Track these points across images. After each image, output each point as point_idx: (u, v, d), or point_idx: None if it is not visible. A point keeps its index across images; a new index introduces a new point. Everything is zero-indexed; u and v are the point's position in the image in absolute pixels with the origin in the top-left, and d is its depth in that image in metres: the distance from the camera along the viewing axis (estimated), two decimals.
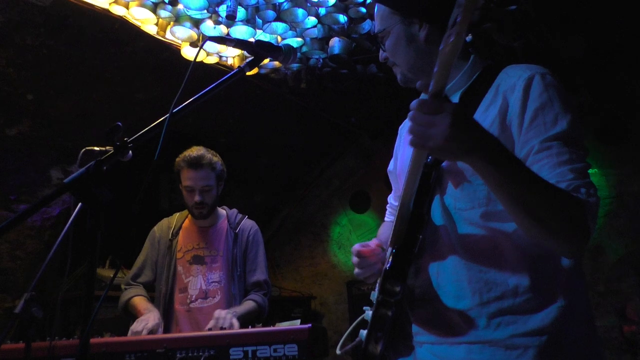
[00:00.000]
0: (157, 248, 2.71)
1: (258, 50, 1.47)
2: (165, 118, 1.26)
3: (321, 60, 2.97)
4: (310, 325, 1.95)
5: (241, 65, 1.44)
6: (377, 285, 1.25)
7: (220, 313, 2.31)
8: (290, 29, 2.67)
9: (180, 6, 2.48)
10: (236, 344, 1.94)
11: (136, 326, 2.27)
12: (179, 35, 2.68)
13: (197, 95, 1.34)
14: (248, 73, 2.03)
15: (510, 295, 1.10)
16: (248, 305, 2.55)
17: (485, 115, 1.18)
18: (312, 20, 2.62)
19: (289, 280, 5.01)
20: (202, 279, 2.63)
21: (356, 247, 1.33)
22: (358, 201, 4.93)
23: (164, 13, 2.51)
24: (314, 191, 5.08)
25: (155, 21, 2.61)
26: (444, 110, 0.92)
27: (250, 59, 1.47)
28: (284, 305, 4.41)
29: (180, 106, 1.29)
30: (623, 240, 3.51)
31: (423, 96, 1.05)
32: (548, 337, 1.06)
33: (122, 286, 2.63)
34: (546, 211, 0.99)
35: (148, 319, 2.29)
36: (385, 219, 1.70)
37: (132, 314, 2.42)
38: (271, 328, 2.01)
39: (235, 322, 2.26)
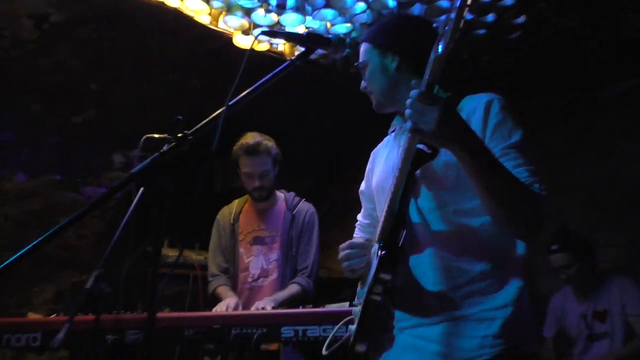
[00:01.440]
0: (223, 235, 2.90)
1: (309, 42, 1.52)
2: (222, 110, 1.33)
3: None
4: None
5: (292, 58, 1.49)
6: (369, 277, 1.35)
7: (257, 306, 2.44)
8: (340, 15, 2.70)
9: None
10: (287, 323, 2.05)
11: (217, 308, 2.45)
12: (231, 24, 2.76)
13: (251, 88, 1.41)
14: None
15: (478, 280, 1.32)
16: (291, 289, 2.68)
17: None
18: (361, 5, 2.64)
19: (337, 262, 5.07)
20: (263, 258, 2.80)
21: (345, 243, 1.53)
22: None
23: (216, 3, 2.59)
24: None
25: (208, 11, 2.70)
26: (437, 101, 1.12)
27: (301, 51, 1.52)
28: (333, 286, 4.47)
29: (236, 98, 1.36)
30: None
31: (413, 92, 1.19)
32: (512, 310, 1.29)
33: (208, 279, 2.86)
34: (512, 197, 1.22)
35: (228, 303, 2.47)
36: (355, 235, 1.90)
37: (218, 302, 2.60)
38: (321, 309, 2.10)
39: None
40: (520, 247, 1.39)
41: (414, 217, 1.40)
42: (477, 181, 1.23)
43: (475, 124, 1.36)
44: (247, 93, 1.39)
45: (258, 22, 2.72)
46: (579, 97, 3.88)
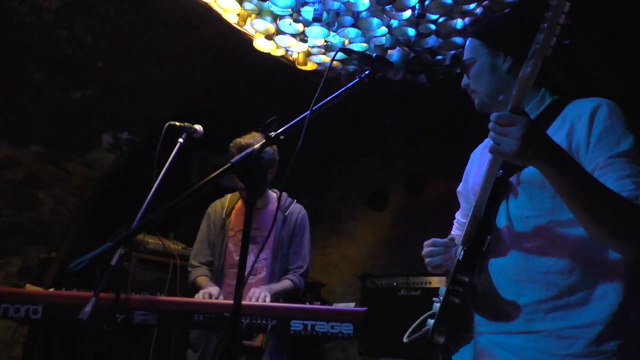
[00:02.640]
0: (213, 228, 2.92)
1: (376, 63, 1.66)
2: (306, 115, 1.45)
3: None
4: (366, 308, 2.18)
5: (361, 76, 1.62)
6: (448, 277, 1.43)
7: (254, 291, 2.51)
8: (361, 35, 2.87)
9: (267, 1, 2.66)
10: (297, 317, 2.15)
11: (198, 296, 2.49)
12: (257, 27, 2.86)
13: (328, 98, 1.53)
14: (302, 67, 2.16)
15: (566, 294, 1.27)
16: (285, 283, 2.76)
17: (553, 138, 1.32)
18: (383, 29, 2.83)
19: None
20: (253, 257, 2.85)
21: (430, 240, 1.54)
22: (376, 200, 5.15)
23: (248, 5, 2.69)
24: (335, 185, 5.29)
25: (238, 11, 2.78)
26: (518, 122, 1.12)
27: (369, 71, 1.66)
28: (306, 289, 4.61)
29: (318, 105, 1.47)
30: None
31: (493, 114, 1.22)
32: (600, 329, 1.22)
33: (188, 269, 2.88)
34: (609, 214, 1.16)
35: (210, 291, 2.51)
36: (452, 232, 1.90)
37: (196, 292, 2.64)
38: (331, 307, 2.23)
39: (268, 300, 2.45)
40: (619, 267, 1.28)
41: (502, 221, 1.38)
42: (569, 199, 1.19)
43: (580, 131, 1.31)
44: (326, 102, 1.51)
45: (283, 29, 2.83)
46: None
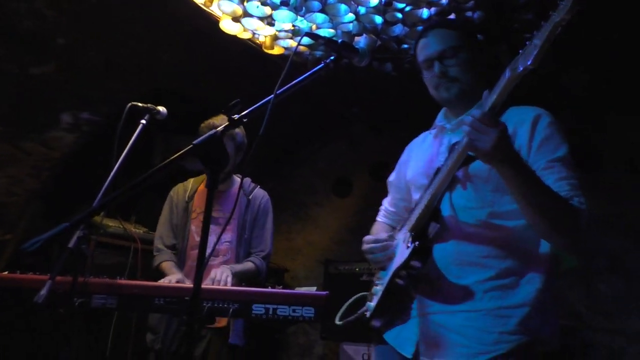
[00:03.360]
0: (175, 211, 2.91)
1: (341, 49, 1.67)
2: (270, 98, 1.45)
3: None
4: (327, 292, 2.21)
5: (326, 61, 1.63)
6: (394, 262, 1.52)
7: (215, 272, 2.52)
8: (329, 21, 2.87)
9: None
10: (259, 301, 2.17)
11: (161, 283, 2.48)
12: (224, 8, 2.82)
13: (292, 82, 1.53)
14: (269, 51, 2.16)
15: (502, 276, 1.43)
16: (246, 265, 2.79)
17: None
18: (350, 16, 2.83)
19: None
20: (215, 237, 2.85)
21: (371, 237, 1.64)
22: (341, 186, 5.18)
23: None
24: (299, 170, 5.29)
25: None
26: (497, 125, 1.25)
27: (334, 56, 1.66)
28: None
29: (283, 89, 1.47)
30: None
31: (474, 111, 1.33)
32: (528, 310, 1.40)
33: (154, 253, 2.87)
34: (552, 212, 1.33)
35: (171, 279, 2.52)
36: (378, 219, 2.03)
37: (161, 277, 2.63)
38: (293, 290, 2.25)
39: (229, 280, 2.47)
40: (545, 249, 1.47)
41: (446, 210, 1.50)
42: (520, 196, 1.34)
43: (522, 136, 1.47)
44: (291, 86, 1.51)
45: (251, 12, 2.80)
46: None
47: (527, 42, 1.22)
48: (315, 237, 5.29)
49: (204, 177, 3.04)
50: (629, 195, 3.81)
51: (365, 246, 1.64)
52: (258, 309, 2.17)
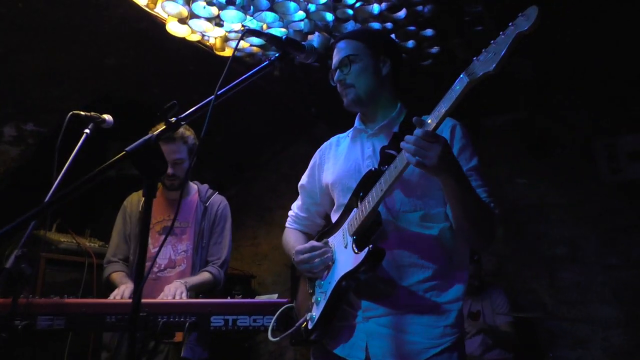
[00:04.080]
0: (129, 222, 2.79)
1: (286, 46, 1.61)
2: (211, 99, 1.38)
3: None
4: (288, 299, 2.13)
5: (272, 59, 1.56)
6: (335, 269, 1.53)
7: (169, 288, 2.43)
8: (279, 20, 2.79)
9: None
10: (217, 313, 2.08)
11: (112, 296, 2.36)
12: (169, 10, 2.71)
13: (235, 82, 1.46)
14: (220, 53, 2.06)
15: (437, 276, 1.51)
16: (203, 276, 2.69)
17: None
18: (300, 14, 2.76)
19: (231, 259, 5.11)
20: (172, 249, 2.75)
21: (304, 246, 1.63)
22: None
23: None
24: (263, 174, 5.21)
25: None
26: (439, 141, 1.28)
27: (280, 53, 1.60)
28: (227, 281, 4.49)
29: (224, 89, 1.40)
30: (540, 244, 3.99)
31: (417, 130, 1.33)
32: (461, 304, 1.52)
33: (104, 265, 2.73)
34: (480, 217, 1.44)
35: (123, 290, 2.38)
36: (288, 225, 2.06)
37: (111, 289, 2.49)
38: (252, 300, 2.16)
39: (184, 295, 2.38)
40: (467, 254, 1.61)
41: (383, 214, 1.53)
42: (457, 203, 1.42)
43: None
44: (233, 86, 1.44)
45: (197, 12, 2.70)
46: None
47: (483, 50, 1.25)
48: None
49: (159, 185, 2.93)
50: (585, 182, 3.87)
51: (300, 257, 1.62)
52: (217, 320, 2.08)
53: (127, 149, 1.20)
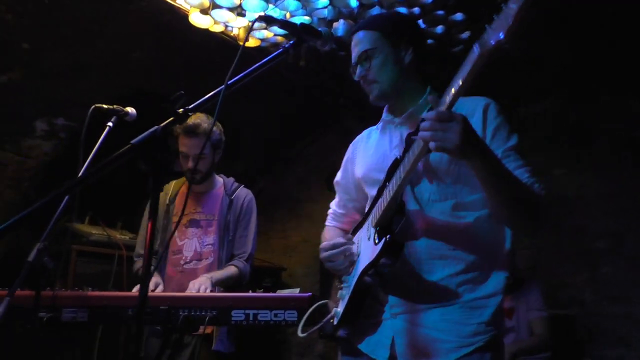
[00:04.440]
0: (157, 215, 2.82)
1: (301, 33, 1.55)
2: (221, 89, 1.33)
3: None
4: (310, 294, 2.08)
5: (286, 46, 1.51)
6: (358, 263, 1.46)
7: (194, 283, 2.43)
8: (302, 7, 2.73)
9: None
10: (238, 307, 2.04)
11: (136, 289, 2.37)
12: (191, 1, 2.69)
13: (247, 71, 1.41)
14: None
15: (472, 268, 1.40)
16: (229, 270, 2.69)
17: None
18: (324, 1, 2.69)
19: (260, 251, 5.06)
20: (197, 241, 2.76)
21: (327, 243, 1.57)
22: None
23: None
24: (292, 167, 5.17)
25: None
26: (456, 118, 1.16)
27: (292, 40, 1.54)
28: (256, 275, 4.49)
29: (235, 79, 1.36)
30: (580, 237, 3.81)
31: (430, 113, 1.22)
32: (501, 298, 1.40)
33: (134, 258, 2.78)
34: (519, 199, 1.32)
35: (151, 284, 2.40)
36: (327, 224, 1.96)
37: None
38: (273, 294, 2.12)
39: (209, 290, 2.38)
40: (507, 242, 1.46)
41: (411, 204, 1.45)
42: (489, 185, 1.30)
43: (475, 126, 1.36)
44: (244, 75, 1.39)
45: (219, 2, 2.67)
46: None
47: (494, 16, 1.06)
48: (311, 233, 5.15)
49: (184, 178, 2.94)
50: (628, 171, 3.67)
51: (323, 254, 1.57)
52: (238, 315, 2.05)
53: (132, 141, 1.17)
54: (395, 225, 1.37)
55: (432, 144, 1.17)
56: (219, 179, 2.97)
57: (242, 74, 1.39)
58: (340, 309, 1.52)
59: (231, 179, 3.02)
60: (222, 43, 3.24)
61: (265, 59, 1.47)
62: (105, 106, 2.28)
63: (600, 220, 3.74)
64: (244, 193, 2.98)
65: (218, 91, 1.33)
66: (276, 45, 3.32)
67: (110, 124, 2.30)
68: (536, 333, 3.31)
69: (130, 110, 2.37)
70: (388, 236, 1.33)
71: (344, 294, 1.52)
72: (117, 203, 4.03)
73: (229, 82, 1.35)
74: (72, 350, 2.94)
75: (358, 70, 1.60)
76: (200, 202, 2.87)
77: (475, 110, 1.45)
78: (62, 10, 2.85)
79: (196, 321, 2.05)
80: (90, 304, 2.07)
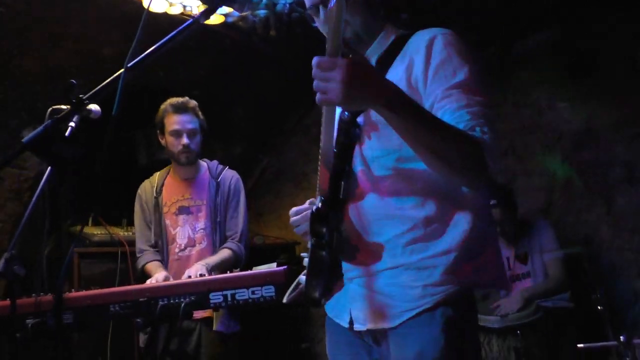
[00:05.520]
0: (147, 209, 2.85)
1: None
2: (121, 73, 1.27)
3: (288, 6, 2.95)
4: (286, 267, 2.04)
5: (195, 16, 1.42)
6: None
7: (189, 271, 2.47)
8: None
9: None
10: (215, 289, 2.03)
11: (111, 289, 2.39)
12: None
13: (151, 49, 1.34)
14: (208, 22, 1.95)
15: (422, 225, 1.29)
16: (223, 253, 2.71)
17: (394, 75, 1.34)
18: None
19: (273, 228, 5.09)
20: (190, 228, 2.79)
21: (294, 209, 1.53)
22: None
23: None
24: (293, 139, 5.10)
25: None
26: (337, 65, 1.02)
27: (205, 8, 1.46)
28: (270, 252, 4.49)
29: (135, 60, 1.29)
30: (592, 171, 3.62)
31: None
32: (455, 255, 1.26)
33: (137, 254, 2.82)
34: (447, 150, 1.16)
35: (157, 278, 2.46)
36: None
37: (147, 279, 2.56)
38: (249, 272, 2.10)
39: (206, 275, 2.37)
40: (464, 196, 1.32)
41: (358, 165, 1.37)
42: (408, 138, 1.17)
43: (418, 65, 1.30)
44: (147, 54, 1.32)
45: None
46: (494, 51, 4.01)
47: None
48: None
49: (169, 167, 2.95)
50: (634, 96, 3.44)
51: (290, 220, 1.54)
52: (216, 297, 2.04)
53: (23, 139, 1.13)
54: (337, 190, 1.33)
55: (317, 97, 1.06)
56: (203, 164, 3.00)
57: (144, 54, 1.32)
58: (303, 276, 1.51)
59: (215, 162, 3.03)
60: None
61: (174, 32, 1.39)
62: (63, 106, 2.27)
63: (610, 151, 3.54)
64: (229, 175, 2.99)
65: (117, 75, 1.26)
66: (243, 18, 3.22)
67: (72, 124, 2.29)
68: (551, 275, 3.19)
69: (94, 107, 2.34)
70: (313, 208, 1.29)
71: (306, 261, 1.48)
72: (119, 200, 4.07)
73: (129, 65, 1.28)
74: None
75: (322, 12, 1.42)
76: (187, 189, 2.90)
77: (420, 46, 1.32)
78: (22, 17, 2.83)
79: (176, 309, 2.05)
80: (73, 305, 2.09)
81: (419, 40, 1.35)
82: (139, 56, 1.30)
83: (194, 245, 2.80)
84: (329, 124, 1.27)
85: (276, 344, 3.91)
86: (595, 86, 3.59)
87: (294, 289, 1.65)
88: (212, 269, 2.51)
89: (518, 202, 3.38)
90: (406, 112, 1.12)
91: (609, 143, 3.55)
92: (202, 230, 2.82)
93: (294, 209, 1.53)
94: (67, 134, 2.26)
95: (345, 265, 1.40)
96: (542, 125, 3.85)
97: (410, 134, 1.16)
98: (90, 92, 1.24)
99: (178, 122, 2.75)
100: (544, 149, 3.82)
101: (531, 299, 3.04)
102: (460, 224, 1.28)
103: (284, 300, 1.67)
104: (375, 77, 1.11)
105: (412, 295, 1.27)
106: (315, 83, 1.05)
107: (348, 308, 1.41)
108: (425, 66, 1.29)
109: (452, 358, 1.25)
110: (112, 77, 1.26)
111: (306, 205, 1.53)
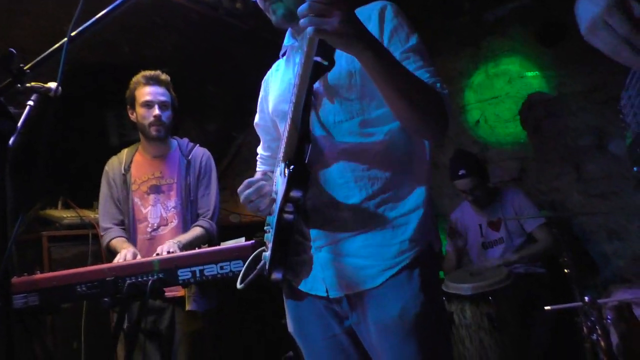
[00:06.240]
0: (115, 186, 2.80)
1: None
2: (64, 42, 1.23)
3: None
4: (254, 241, 2.03)
5: None
6: (277, 201, 1.36)
7: (161, 249, 2.43)
8: None
9: None
10: (183, 266, 2.02)
11: (115, 261, 2.37)
12: None
13: (95, 18, 1.30)
14: None
15: (390, 186, 1.35)
16: (194, 232, 2.68)
17: None
18: None
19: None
20: (162, 207, 2.74)
21: (244, 183, 1.47)
22: None
23: None
24: None
25: None
26: (338, 2, 1.06)
27: None
28: (246, 230, 4.46)
29: (78, 29, 1.25)
30: (562, 137, 3.65)
31: None
32: (423, 212, 1.35)
33: (100, 234, 2.76)
34: (420, 97, 1.23)
35: (125, 254, 2.39)
36: (257, 169, 1.89)
37: (114, 256, 2.50)
38: (216, 247, 2.08)
39: (178, 252, 2.35)
40: (427, 154, 1.43)
41: (317, 130, 1.38)
42: (385, 83, 1.19)
43: (373, 31, 1.28)
44: (92, 23, 1.27)
45: None
46: (465, 21, 3.99)
47: None
48: None
49: (137, 145, 2.90)
50: (603, 63, 3.44)
51: (241, 197, 1.48)
52: (184, 273, 2.04)
53: None
54: (304, 155, 1.30)
55: (309, 28, 1.06)
56: (174, 141, 2.95)
57: (87, 24, 1.27)
58: (268, 252, 1.46)
59: (185, 140, 2.98)
60: (157, 1, 3.08)
61: (112, 6, 1.34)
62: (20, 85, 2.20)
63: (580, 118, 3.57)
64: (200, 152, 2.95)
65: (60, 45, 1.22)
66: None
67: (30, 102, 2.23)
68: (540, 240, 3.21)
69: (52, 85, 2.28)
70: (291, 167, 1.26)
71: (269, 236, 1.45)
72: (90, 182, 4.00)
73: (71, 34, 1.23)
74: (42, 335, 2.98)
75: None
76: (158, 167, 2.85)
77: (371, 14, 1.39)
78: None
79: (144, 287, 2.03)
80: (39, 287, 2.06)
81: (367, 11, 1.40)
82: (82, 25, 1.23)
83: (166, 225, 2.77)
84: (302, 89, 1.26)
85: (256, 319, 3.91)
86: (565, 54, 3.59)
87: (248, 270, 1.61)
88: (184, 247, 2.49)
89: (490, 170, 3.40)
90: (386, 57, 1.17)
91: (578, 110, 3.57)
92: (173, 209, 2.78)
93: (246, 181, 1.48)
94: (25, 113, 2.22)
95: (314, 234, 1.40)
96: (512, 95, 3.86)
97: (387, 81, 1.18)
98: (32, 63, 1.18)
99: (150, 92, 2.71)
100: (513, 117, 3.83)
101: (515, 262, 3.12)
102: (422, 182, 1.38)
103: (238, 286, 1.61)
104: (363, 25, 1.13)
105: (390, 253, 1.31)
106: (311, 16, 1.05)
107: (321, 278, 1.40)
108: (380, 31, 1.36)
109: (433, 309, 1.32)
110: (54, 47, 1.21)
111: (256, 177, 1.51)
